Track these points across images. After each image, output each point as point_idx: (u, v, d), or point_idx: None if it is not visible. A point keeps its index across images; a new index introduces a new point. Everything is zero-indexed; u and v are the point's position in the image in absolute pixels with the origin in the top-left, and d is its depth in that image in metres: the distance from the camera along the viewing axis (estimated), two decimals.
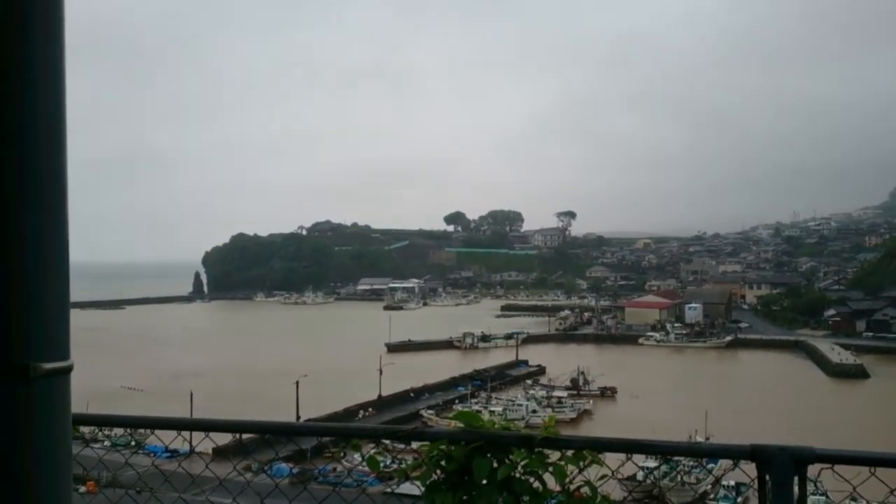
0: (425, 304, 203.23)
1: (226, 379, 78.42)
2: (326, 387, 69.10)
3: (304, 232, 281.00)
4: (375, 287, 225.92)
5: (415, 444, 2.97)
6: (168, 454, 29.69)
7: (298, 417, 52.45)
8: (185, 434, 3.12)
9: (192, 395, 54.92)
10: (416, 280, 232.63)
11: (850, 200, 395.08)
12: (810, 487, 2.53)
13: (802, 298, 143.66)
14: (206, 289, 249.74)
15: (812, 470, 2.53)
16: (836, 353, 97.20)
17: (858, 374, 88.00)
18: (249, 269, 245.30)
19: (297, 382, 58.81)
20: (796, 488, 2.47)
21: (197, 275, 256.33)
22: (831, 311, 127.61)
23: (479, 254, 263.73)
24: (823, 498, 37.71)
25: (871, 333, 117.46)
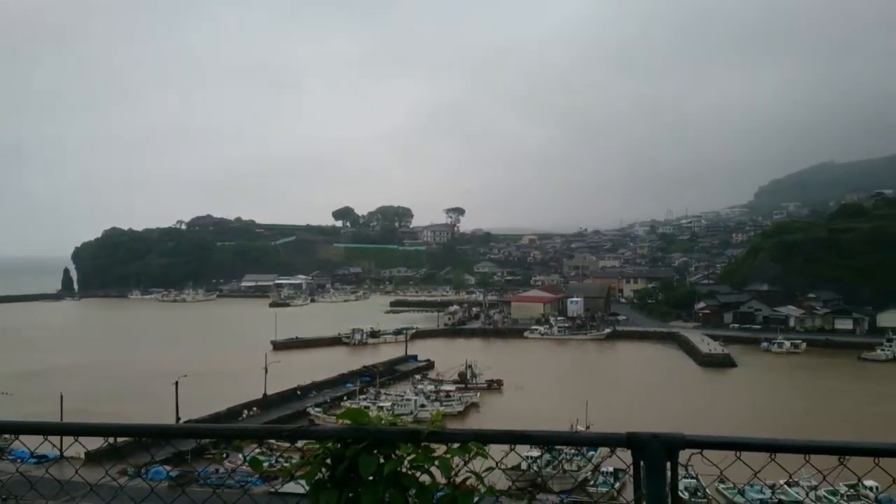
0: (313, 301, 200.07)
1: (100, 381, 74.49)
2: (208, 387, 66.91)
3: (184, 227, 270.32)
4: (260, 283, 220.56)
5: (302, 444, 2.91)
6: (35, 459, 27.87)
7: (178, 419, 50.45)
8: (55, 439, 2.91)
9: (62, 397, 51.82)
10: (304, 276, 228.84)
11: (719, 200, 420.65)
12: (681, 472, 2.66)
13: (675, 292, 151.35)
14: (76, 286, 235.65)
15: (683, 455, 2.66)
16: (706, 344, 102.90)
17: (726, 363, 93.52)
18: (124, 266, 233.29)
19: (177, 383, 56.57)
20: (669, 473, 2.59)
21: (66, 271, 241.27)
22: (701, 304, 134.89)
23: (368, 249, 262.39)
24: (694, 481, 39.96)
25: (737, 325, 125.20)
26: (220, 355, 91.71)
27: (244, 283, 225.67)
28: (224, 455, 23.06)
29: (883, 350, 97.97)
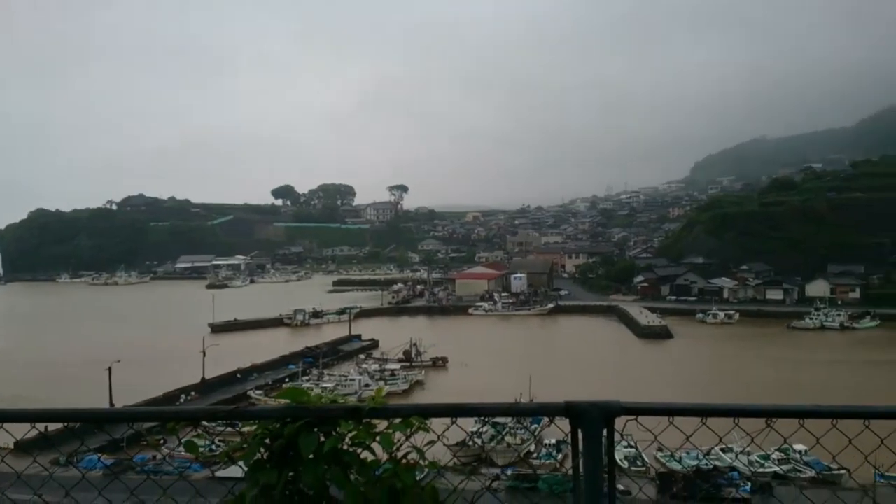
0: (252, 282, 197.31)
1: (28, 368, 72.01)
2: (144, 373, 65.31)
3: (115, 207, 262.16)
4: (197, 265, 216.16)
5: (241, 426, 2.87)
6: None
7: (112, 405, 49.27)
8: None
9: None
10: (242, 256, 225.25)
11: (656, 175, 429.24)
12: (618, 438, 2.73)
13: (615, 266, 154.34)
14: (0, 270, 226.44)
15: (620, 422, 2.72)
16: (645, 316, 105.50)
17: (663, 334, 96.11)
18: (52, 248, 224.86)
19: (110, 369, 55.18)
20: (605, 440, 2.65)
21: None
22: (640, 278, 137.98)
23: (309, 228, 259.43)
24: (633, 450, 41.20)
25: (674, 297, 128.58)
26: (155, 340, 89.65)
27: (180, 265, 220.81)
28: (160, 441, 22.61)
29: (811, 319, 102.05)
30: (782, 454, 40.13)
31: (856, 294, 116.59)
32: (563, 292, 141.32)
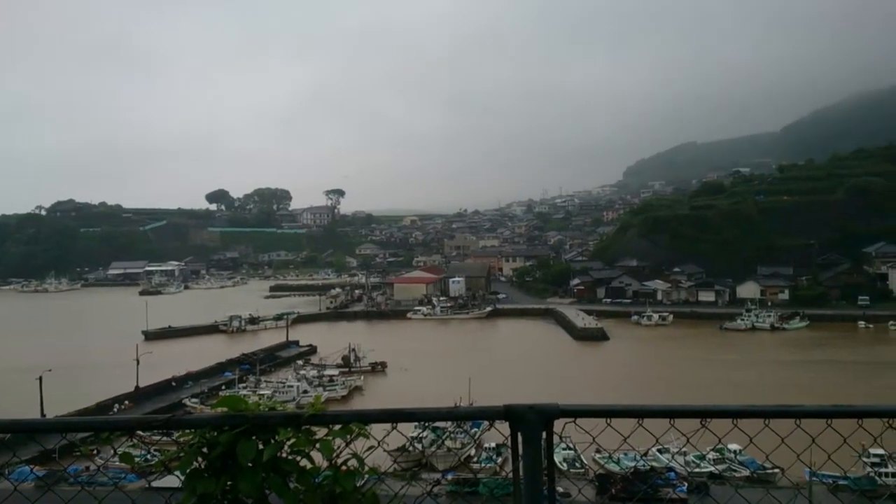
0: (187, 288, 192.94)
1: None
2: (75, 382, 63.23)
3: (44, 212, 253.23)
4: (129, 271, 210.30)
5: (177, 434, 2.80)
6: None
7: (43, 415, 47.50)
8: None
9: None
10: (176, 262, 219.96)
11: (590, 179, 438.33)
12: (557, 440, 2.75)
13: (552, 269, 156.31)
14: None
15: (559, 425, 2.75)
16: (581, 319, 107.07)
17: (599, 336, 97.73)
18: None
19: (40, 378, 53.19)
20: (545, 442, 2.67)
21: None
22: (576, 281, 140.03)
23: (245, 233, 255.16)
24: (572, 452, 41.70)
25: (609, 299, 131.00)
26: (86, 348, 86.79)
27: (111, 271, 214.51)
28: (94, 451, 21.85)
29: (742, 320, 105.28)
30: (717, 454, 41.26)
31: (785, 295, 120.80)
32: (500, 295, 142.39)
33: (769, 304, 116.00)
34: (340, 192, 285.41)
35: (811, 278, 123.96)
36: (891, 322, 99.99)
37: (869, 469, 35.82)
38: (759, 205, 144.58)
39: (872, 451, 32.83)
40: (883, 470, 35.12)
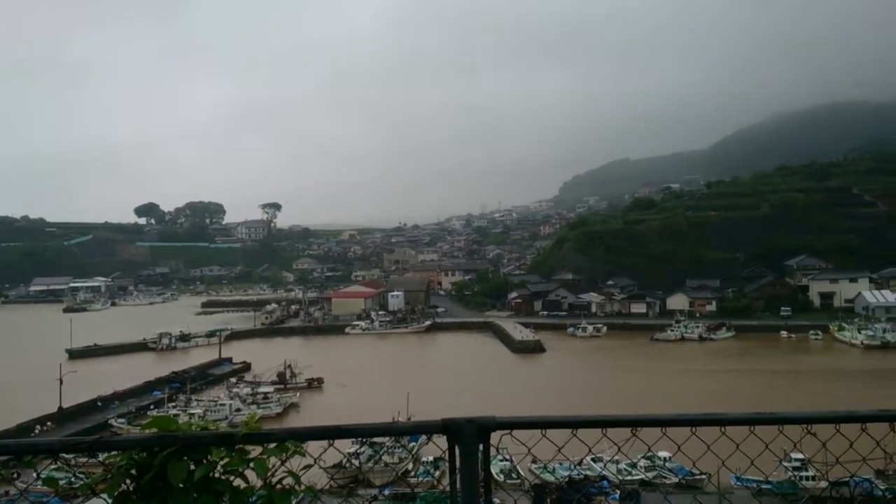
0: (114, 305, 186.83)
1: None
2: None
3: None
4: (53, 287, 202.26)
5: (103, 456, 2.71)
6: None
7: None
8: None
9: None
10: (103, 278, 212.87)
11: (528, 194, 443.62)
12: (494, 452, 2.78)
13: (490, 283, 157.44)
14: None
15: (495, 437, 2.78)
16: (519, 332, 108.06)
17: (537, 348, 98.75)
18: None
19: None
20: (482, 455, 2.70)
21: None
22: (514, 294, 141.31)
23: (176, 248, 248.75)
24: (508, 463, 41.89)
25: (546, 312, 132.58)
26: (5, 367, 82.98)
27: (33, 288, 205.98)
28: (14, 475, 20.89)
29: (672, 331, 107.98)
30: (648, 461, 42.07)
31: (712, 307, 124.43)
32: (439, 309, 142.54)
33: (697, 315, 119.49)
34: (277, 206, 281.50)
35: (737, 290, 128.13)
36: (811, 332, 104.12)
37: (790, 473, 37.09)
38: (688, 220, 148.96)
39: (793, 455, 34.01)
40: (803, 474, 36.39)
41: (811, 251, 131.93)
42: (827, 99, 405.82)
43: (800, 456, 34.07)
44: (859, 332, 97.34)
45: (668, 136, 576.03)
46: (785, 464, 36.41)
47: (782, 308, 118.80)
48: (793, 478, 36.61)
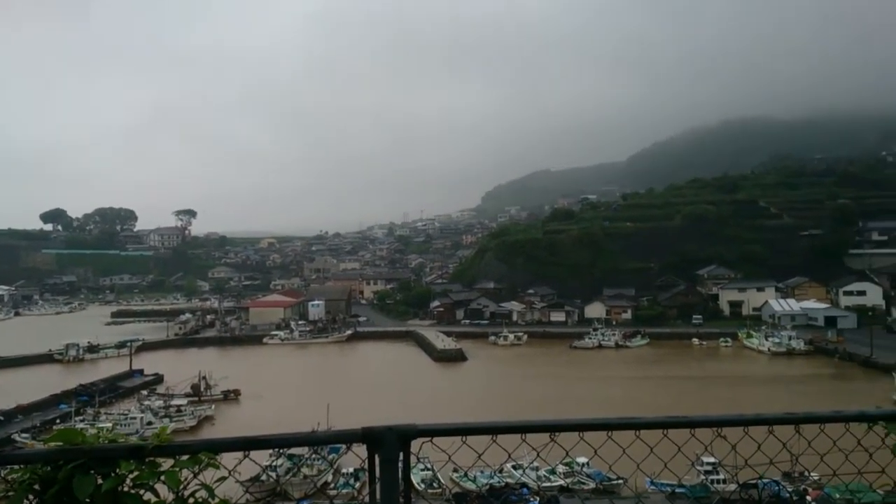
0: (17, 314, 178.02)
1: None
2: None
3: None
4: None
5: (4, 472, 2.57)
6: None
7: None
8: None
9: None
10: (5, 287, 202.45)
11: (450, 203, 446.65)
12: (415, 461, 2.77)
13: (412, 292, 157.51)
14: None
15: (416, 445, 2.77)
16: (441, 340, 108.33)
17: (458, 357, 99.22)
18: None
19: None
20: (402, 463, 2.68)
21: None
22: (436, 303, 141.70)
23: (84, 255, 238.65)
24: (430, 472, 41.87)
25: (468, 321, 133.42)
26: None
27: None
28: None
29: (590, 338, 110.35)
30: (567, 467, 42.84)
31: (628, 315, 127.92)
32: (361, 318, 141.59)
33: (614, 323, 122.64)
34: (192, 213, 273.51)
35: (651, 299, 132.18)
36: (721, 339, 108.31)
37: (702, 476, 38.37)
38: (605, 230, 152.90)
39: (705, 459, 35.23)
40: (714, 477, 37.69)
41: (721, 261, 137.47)
42: (737, 114, 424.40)
43: (711, 459, 35.33)
44: (766, 340, 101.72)
45: (587, 149, 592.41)
46: (697, 467, 37.66)
47: (694, 316, 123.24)
48: (705, 481, 37.82)
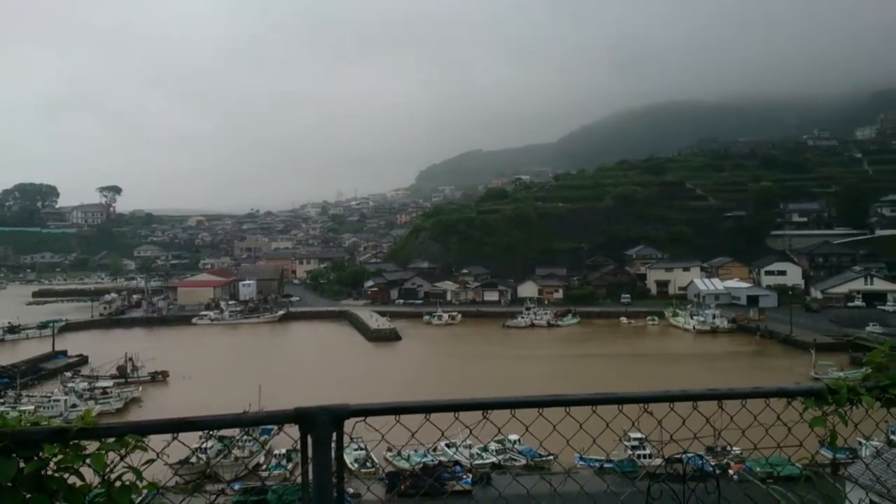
0: None
1: None
2: None
3: None
4: None
5: None
6: None
7: None
8: None
9: None
10: None
11: (385, 182, 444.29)
12: (348, 441, 2.77)
13: (346, 271, 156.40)
14: None
15: (350, 425, 2.77)
16: (375, 320, 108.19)
17: (392, 336, 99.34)
18: None
19: None
20: (335, 444, 2.68)
21: None
22: (370, 282, 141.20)
23: (3, 233, 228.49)
24: (363, 452, 41.95)
25: (402, 300, 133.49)
26: None
27: None
28: None
29: (522, 317, 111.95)
30: (499, 444, 43.52)
31: (559, 294, 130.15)
32: (294, 298, 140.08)
33: (546, 302, 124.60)
34: (117, 190, 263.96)
35: (582, 278, 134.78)
36: (648, 318, 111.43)
37: (629, 452, 39.57)
38: (538, 210, 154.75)
39: (632, 434, 36.30)
40: (640, 452, 38.92)
41: (649, 241, 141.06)
42: (664, 99, 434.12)
43: (638, 435, 36.41)
44: (691, 318, 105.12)
45: (519, 130, 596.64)
46: (625, 442, 38.79)
47: (623, 295, 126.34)
48: (632, 456, 39.00)
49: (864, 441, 11.46)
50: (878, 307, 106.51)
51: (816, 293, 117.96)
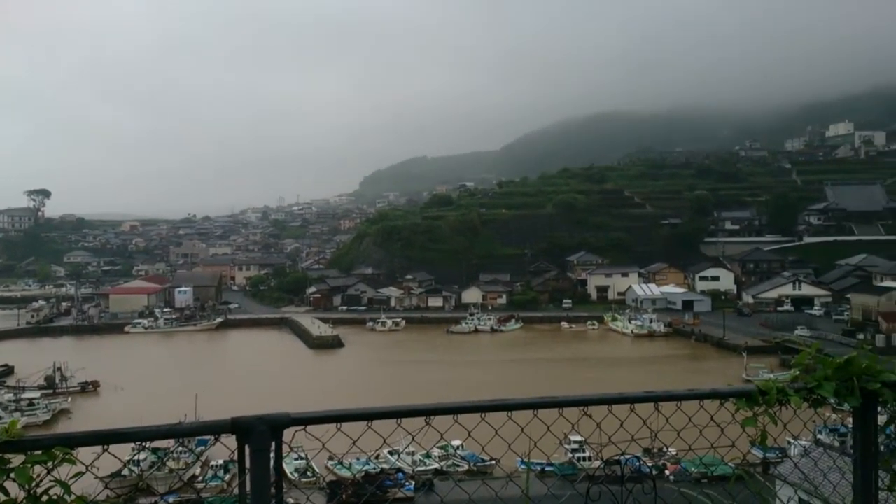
0: None
1: None
2: None
3: None
4: None
5: None
6: None
7: None
8: None
9: None
10: None
11: (328, 188, 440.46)
12: (287, 451, 2.71)
13: (287, 278, 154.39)
14: None
15: (290, 434, 2.71)
16: (317, 327, 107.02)
17: (335, 344, 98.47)
18: None
19: None
20: (273, 454, 2.62)
21: None
22: (313, 289, 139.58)
23: None
24: (303, 461, 41.42)
25: (346, 307, 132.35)
26: None
27: None
28: None
29: (466, 323, 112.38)
30: (442, 451, 43.49)
31: (503, 300, 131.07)
32: (233, 305, 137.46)
33: (490, 308, 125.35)
34: (46, 193, 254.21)
35: (525, 284, 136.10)
36: (588, 322, 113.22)
37: (569, 455, 40.04)
38: (482, 217, 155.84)
39: (572, 437, 36.77)
40: (580, 454, 39.43)
41: (589, 248, 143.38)
42: (604, 109, 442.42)
43: (578, 438, 36.90)
44: (629, 322, 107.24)
45: (464, 136, 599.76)
46: (565, 446, 39.24)
47: (564, 300, 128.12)
48: (572, 458, 39.46)
49: (792, 441, 11.82)
50: (806, 311, 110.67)
51: (748, 298, 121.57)
